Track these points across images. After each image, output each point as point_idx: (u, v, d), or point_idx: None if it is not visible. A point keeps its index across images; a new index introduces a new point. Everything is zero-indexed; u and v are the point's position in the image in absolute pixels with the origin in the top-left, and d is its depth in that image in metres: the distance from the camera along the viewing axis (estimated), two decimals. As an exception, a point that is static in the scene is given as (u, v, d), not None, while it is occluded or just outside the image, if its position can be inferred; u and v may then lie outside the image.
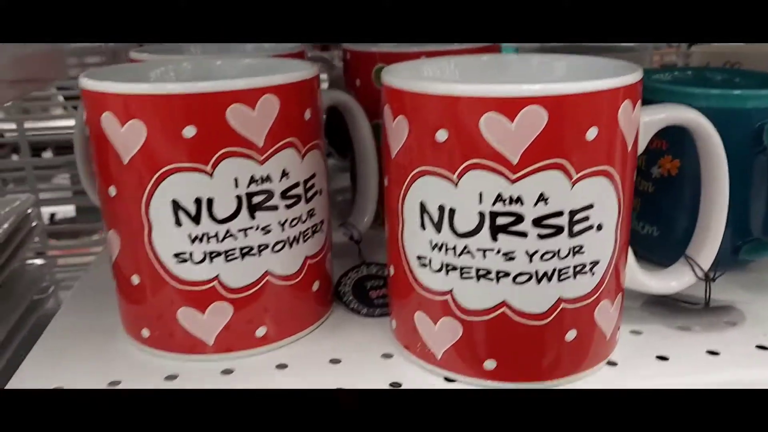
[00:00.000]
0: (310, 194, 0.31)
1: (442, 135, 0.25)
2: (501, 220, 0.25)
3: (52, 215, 0.88)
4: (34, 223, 0.55)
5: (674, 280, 0.31)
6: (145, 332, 0.31)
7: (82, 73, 0.30)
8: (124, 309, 0.32)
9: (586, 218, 0.26)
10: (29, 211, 0.55)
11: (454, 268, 0.27)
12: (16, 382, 0.30)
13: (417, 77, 0.30)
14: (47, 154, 0.91)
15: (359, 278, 0.37)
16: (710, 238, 0.31)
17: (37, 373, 0.30)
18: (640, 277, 0.31)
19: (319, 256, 0.33)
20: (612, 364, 0.30)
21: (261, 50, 0.46)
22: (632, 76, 0.26)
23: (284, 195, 0.30)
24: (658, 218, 0.37)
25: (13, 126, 0.68)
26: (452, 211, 0.26)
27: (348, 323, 0.34)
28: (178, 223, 0.28)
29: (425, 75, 0.31)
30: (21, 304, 0.50)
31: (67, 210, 0.87)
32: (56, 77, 0.43)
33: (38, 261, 0.58)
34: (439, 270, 0.27)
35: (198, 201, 0.28)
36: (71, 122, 0.76)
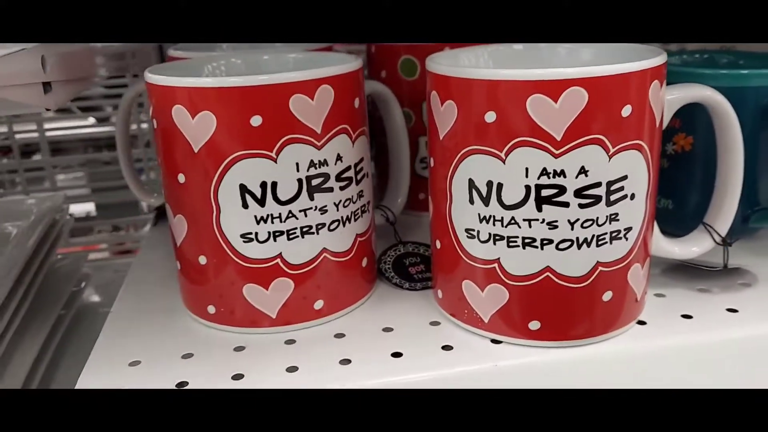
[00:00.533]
0: (359, 176, 0.34)
1: (490, 116, 0.28)
2: (545, 192, 0.28)
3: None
4: (66, 218, 0.58)
5: (695, 246, 0.34)
6: (211, 309, 0.33)
7: (147, 69, 0.32)
8: (188, 289, 0.34)
9: (621, 188, 0.29)
10: (64, 207, 0.57)
11: (502, 238, 0.30)
12: (92, 365, 0.31)
13: (464, 65, 0.33)
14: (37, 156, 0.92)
15: (398, 256, 0.40)
16: (726, 206, 0.34)
17: (111, 353, 0.33)
18: (664, 245, 0.34)
19: (366, 234, 0.35)
20: (642, 323, 0.33)
21: (290, 47, 0.48)
22: (659, 59, 0.28)
23: (338, 177, 0.32)
24: (673, 192, 0.40)
25: (33, 126, 0.70)
26: (500, 186, 0.29)
27: (393, 296, 0.37)
28: (245, 205, 0.31)
29: (465, 63, 0.34)
30: (61, 298, 0.52)
31: (84, 208, 0.89)
32: (96, 76, 0.45)
33: (69, 257, 0.60)
34: (487, 240, 0.30)
35: (263, 184, 0.30)
36: (63, 123, 0.77)
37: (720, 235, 0.34)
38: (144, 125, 0.70)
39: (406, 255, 0.40)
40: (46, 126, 0.70)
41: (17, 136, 0.68)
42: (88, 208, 0.79)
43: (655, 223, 0.33)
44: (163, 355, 0.32)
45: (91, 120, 0.81)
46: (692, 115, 0.37)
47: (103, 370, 0.31)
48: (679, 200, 0.40)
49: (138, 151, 0.70)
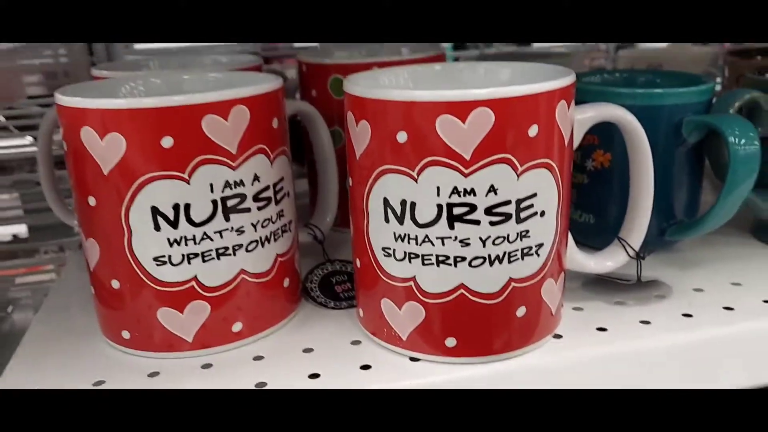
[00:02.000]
0: (279, 196, 0.34)
1: (402, 136, 0.28)
2: (457, 210, 0.29)
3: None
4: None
5: (609, 260, 0.35)
6: (125, 334, 0.33)
7: (57, 90, 0.31)
8: (102, 313, 0.34)
9: (531, 206, 0.29)
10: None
11: (416, 256, 0.30)
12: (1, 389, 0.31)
13: (377, 86, 0.33)
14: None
15: (325, 275, 0.40)
16: (639, 221, 0.35)
17: (21, 378, 0.31)
18: (579, 259, 0.35)
19: (288, 254, 0.35)
20: (558, 336, 0.33)
21: (218, 64, 0.48)
22: (566, 80, 0.29)
23: (256, 198, 0.32)
24: (593, 207, 0.41)
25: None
26: (413, 205, 0.29)
27: (317, 316, 0.36)
28: (157, 227, 0.30)
29: (383, 83, 0.34)
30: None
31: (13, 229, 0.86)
32: (17, 96, 0.44)
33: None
34: (403, 259, 0.30)
35: (176, 206, 0.30)
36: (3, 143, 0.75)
37: (633, 249, 0.35)
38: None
39: (333, 273, 0.40)
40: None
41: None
42: (19, 229, 0.77)
43: (571, 237, 0.34)
44: (75, 382, 0.31)
45: (29, 139, 0.79)
46: (610, 132, 0.38)
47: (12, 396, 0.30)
48: (600, 215, 0.41)
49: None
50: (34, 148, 0.77)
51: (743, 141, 0.36)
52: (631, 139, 0.33)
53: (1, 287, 0.56)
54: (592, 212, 0.41)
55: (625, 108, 0.33)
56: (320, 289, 0.38)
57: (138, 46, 0.66)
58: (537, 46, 1.08)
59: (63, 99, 0.30)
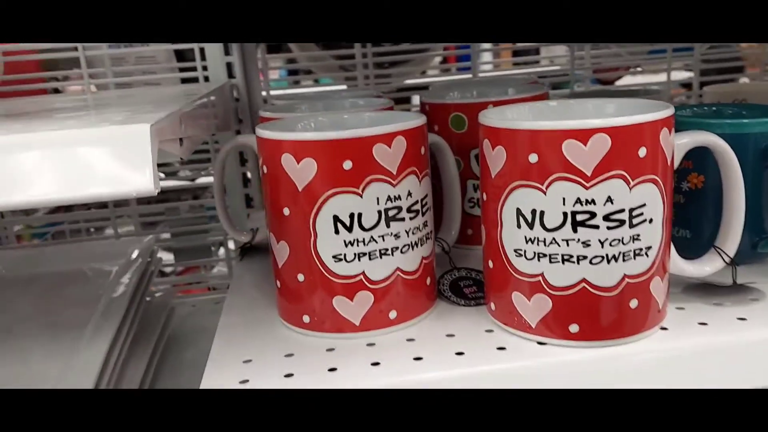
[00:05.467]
0: (424, 209, 0.41)
1: (533, 158, 0.35)
2: (580, 217, 0.35)
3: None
4: (156, 258, 0.66)
5: (707, 266, 0.41)
6: (306, 318, 0.41)
7: (257, 126, 0.41)
8: (286, 302, 0.42)
9: (641, 214, 0.36)
10: (154, 248, 0.66)
11: (545, 256, 0.37)
12: (207, 378, 0.37)
13: (510, 118, 0.41)
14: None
15: (453, 279, 0.47)
16: (733, 230, 0.40)
17: (227, 354, 0.40)
18: (681, 264, 0.41)
19: (430, 257, 0.43)
20: (664, 329, 0.39)
21: (357, 106, 0.57)
22: (668, 111, 0.36)
23: (409, 210, 0.40)
24: (689, 223, 0.47)
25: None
26: (542, 213, 0.36)
27: (451, 312, 0.44)
28: (337, 232, 0.38)
29: (510, 117, 0.42)
30: (157, 328, 0.60)
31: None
32: (206, 133, 0.54)
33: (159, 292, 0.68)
34: (532, 258, 0.37)
35: (351, 215, 0.38)
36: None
37: (729, 256, 0.41)
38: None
39: (460, 279, 0.47)
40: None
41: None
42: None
43: (673, 248, 0.40)
44: (269, 355, 0.39)
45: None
46: (703, 157, 0.44)
47: (224, 365, 0.38)
48: (695, 230, 0.47)
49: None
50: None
51: (827, 162, 0.41)
52: (723, 160, 0.39)
53: (164, 298, 0.66)
54: (688, 228, 0.47)
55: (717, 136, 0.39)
56: (451, 290, 0.46)
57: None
58: (623, 83, 1.14)
59: (266, 133, 0.39)
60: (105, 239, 0.83)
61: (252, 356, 0.39)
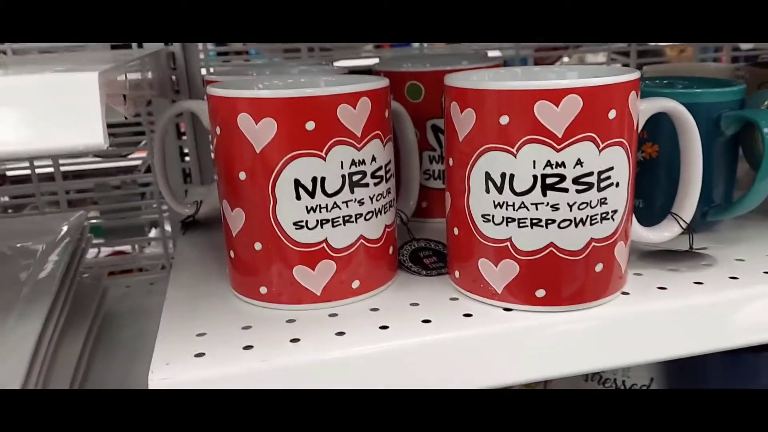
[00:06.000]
0: (388, 176, 0.40)
1: (504, 119, 0.34)
2: (549, 180, 0.35)
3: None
4: (87, 236, 0.62)
5: (666, 231, 0.42)
6: (263, 289, 0.39)
7: (209, 86, 0.38)
8: (241, 273, 0.40)
9: (609, 177, 0.35)
10: (85, 225, 0.62)
11: (513, 220, 0.36)
12: (158, 358, 0.34)
13: (480, 80, 0.39)
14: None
15: (413, 250, 0.46)
16: (690, 196, 0.41)
17: (178, 327, 0.37)
18: (640, 231, 0.41)
19: (392, 226, 0.41)
20: (625, 293, 0.39)
21: (308, 73, 0.54)
22: (636, 74, 0.36)
23: (373, 175, 0.38)
24: (642, 193, 0.47)
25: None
26: (512, 176, 0.35)
27: (413, 282, 0.42)
28: (298, 197, 0.36)
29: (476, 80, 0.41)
30: (90, 309, 0.56)
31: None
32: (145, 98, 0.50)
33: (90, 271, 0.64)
34: (501, 223, 0.36)
35: (314, 179, 0.36)
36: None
37: (686, 222, 0.41)
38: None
39: (419, 249, 0.46)
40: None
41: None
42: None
43: (633, 215, 0.40)
44: (224, 328, 0.37)
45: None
46: (658, 127, 0.44)
47: (175, 338, 0.36)
48: (647, 200, 0.47)
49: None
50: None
51: (775, 131, 0.42)
52: (682, 126, 0.40)
53: (96, 277, 0.62)
54: (641, 197, 0.47)
55: (673, 105, 0.40)
56: (411, 260, 0.45)
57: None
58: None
59: (220, 92, 0.37)
60: (28, 215, 0.77)
61: (206, 329, 0.37)
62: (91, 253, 0.82)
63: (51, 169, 0.72)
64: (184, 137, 0.73)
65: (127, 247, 0.85)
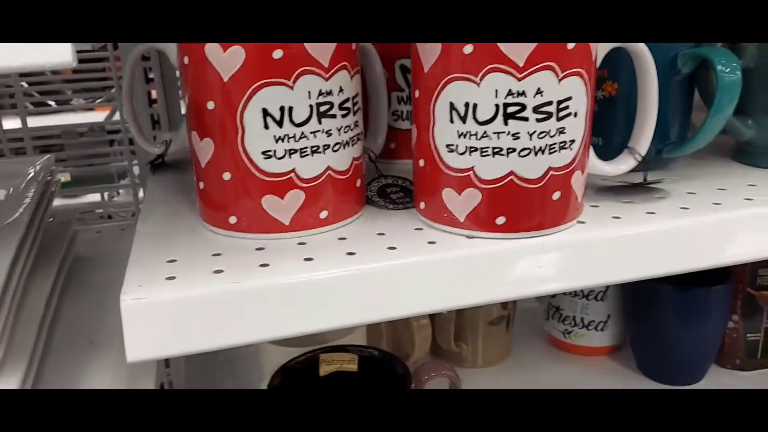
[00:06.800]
0: (355, 108, 0.41)
1: (468, 48, 0.35)
2: (510, 109, 0.36)
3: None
4: (56, 179, 0.62)
5: (622, 164, 0.43)
6: (233, 219, 0.39)
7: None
8: (210, 204, 0.40)
9: (567, 107, 0.37)
10: (53, 168, 0.61)
11: (476, 150, 0.37)
12: (130, 280, 0.34)
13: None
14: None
15: (381, 186, 0.47)
16: (645, 130, 0.43)
17: (149, 255, 0.38)
18: (598, 164, 0.43)
19: (360, 159, 0.42)
20: (581, 222, 0.41)
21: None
22: (594, 7, 0.37)
23: (341, 106, 0.39)
24: (601, 130, 0.49)
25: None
26: (475, 106, 0.36)
27: (380, 215, 0.44)
28: (266, 127, 0.37)
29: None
30: (60, 251, 0.56)
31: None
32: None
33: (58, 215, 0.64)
34: (464, 152, 0.38)
35: (282, 108, 0.37)
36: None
37: (641, 155, 0.43)
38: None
39: (387, 185, 0.47)
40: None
41: None
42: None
43: (591, 150, 0.42)
44: (194, 255, 0.38)
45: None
46: (617, 66, 0.46)
47: (147, 264, 0.36)
48: (606, 137, 0.49)
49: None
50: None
51: (728, 69, 0.44)
52: (640, 61, 0.41)
53: (65, 221, 0.62)
54: (600, 135, 0.49)
55: (631, 41, 0.41)
56: (379, 195, 0.46)
57: None
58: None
59: (187, 21, 0.37)
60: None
61: (176, 257, 0.38)
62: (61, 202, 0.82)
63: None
64: (153, 81, 0.72)
65: (95, 197, 0.85)
